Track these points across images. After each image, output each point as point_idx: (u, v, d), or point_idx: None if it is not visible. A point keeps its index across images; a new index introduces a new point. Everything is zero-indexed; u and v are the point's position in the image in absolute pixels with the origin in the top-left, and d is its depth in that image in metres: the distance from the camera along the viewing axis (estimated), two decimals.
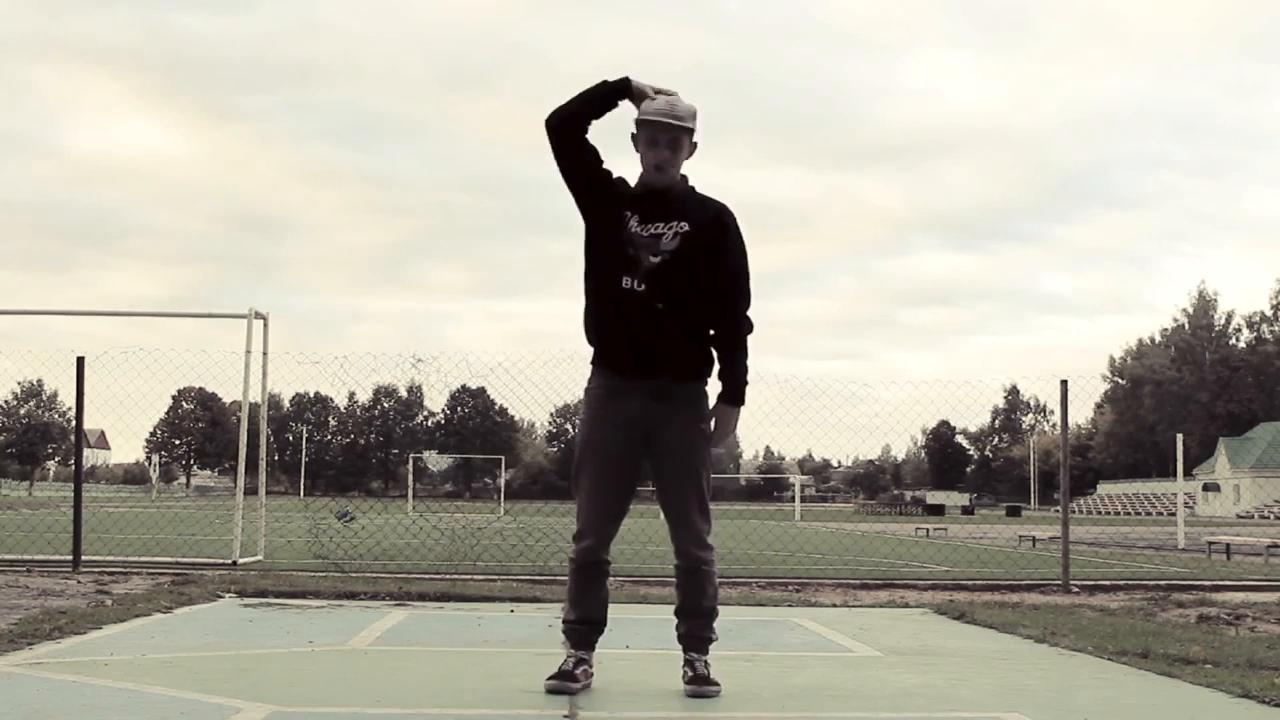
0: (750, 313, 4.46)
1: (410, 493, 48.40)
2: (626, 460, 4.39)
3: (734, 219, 4.47)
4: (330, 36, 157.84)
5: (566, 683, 4.29)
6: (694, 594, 4.49)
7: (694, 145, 4.44)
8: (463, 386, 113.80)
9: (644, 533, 20.87)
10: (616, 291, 4.30)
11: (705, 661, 4.43)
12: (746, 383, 4.45)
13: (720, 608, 4.74)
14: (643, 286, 4.27)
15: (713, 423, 4.43)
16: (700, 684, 4.34)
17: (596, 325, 4.41)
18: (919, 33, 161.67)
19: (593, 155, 4.44)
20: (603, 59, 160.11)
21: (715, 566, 4.52)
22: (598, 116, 4.43)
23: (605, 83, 4.41)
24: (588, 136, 4.44)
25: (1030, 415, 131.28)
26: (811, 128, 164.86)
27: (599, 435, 4.39)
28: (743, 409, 4.48)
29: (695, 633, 4.48)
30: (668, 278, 4.29)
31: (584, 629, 4.49)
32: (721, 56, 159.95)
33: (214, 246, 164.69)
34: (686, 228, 4.34)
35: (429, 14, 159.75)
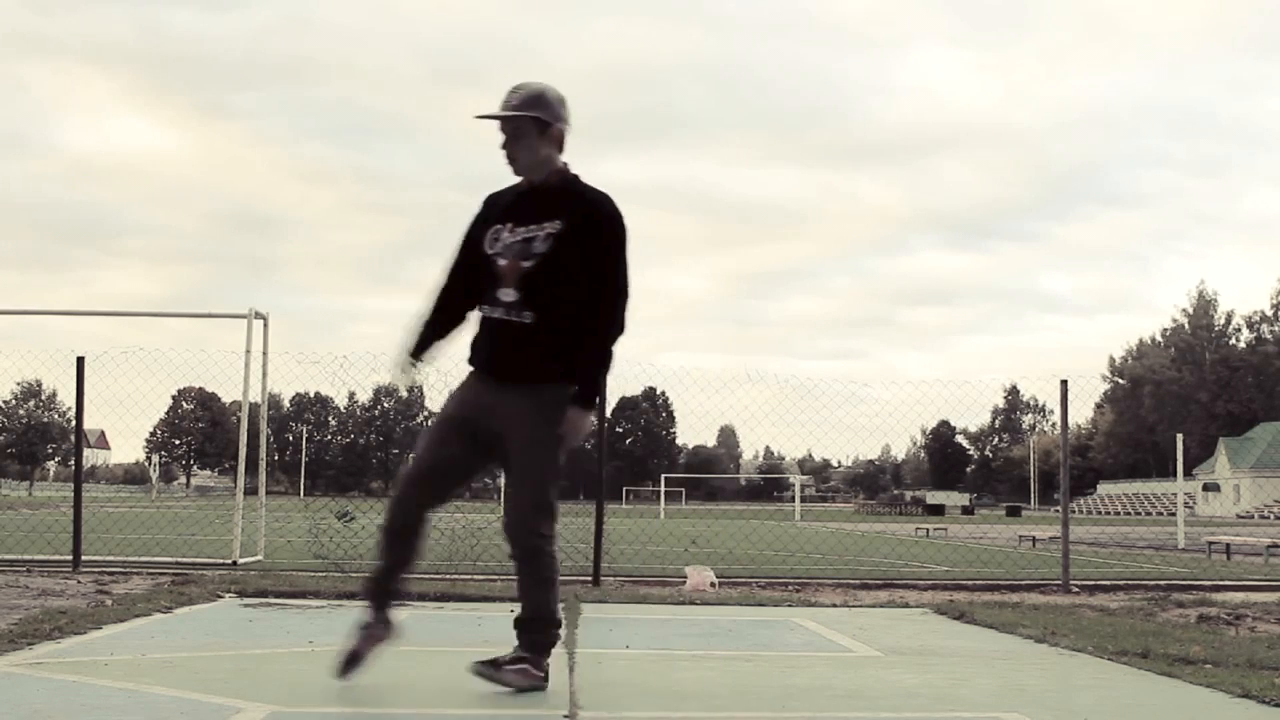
0: (626, 313, 4.27)
1: None
2: (453, 442, 4.31)
3: (614, 213, 4.27)
4: (323, 34, 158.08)
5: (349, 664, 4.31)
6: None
7: (556, 130, 4.26)
8: None
9: (644, 533, 20.91)
10: (483, 309, 4.27)
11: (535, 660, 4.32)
12: (599, 388, 4.31)
13: (720, 607, 4.74)
14: (516, 295, 4.18)
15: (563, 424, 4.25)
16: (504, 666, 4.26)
17: (471, 340, 4.37)
18: (916, 29, 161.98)
19: (468, 272, 4.38)
20: (597, 56, 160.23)
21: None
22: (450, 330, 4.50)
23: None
24: (452, 310, 4.46)
25: (1030, 415, 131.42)
26: (808, 125, 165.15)
27: (449, 418, 4.34)
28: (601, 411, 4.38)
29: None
30: (540, 283, 4.17)
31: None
32: (716, 53, 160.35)
33: (210, 246, 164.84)
34: (559, 227, 4.19)
35: (422, 11, 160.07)
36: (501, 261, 4.22)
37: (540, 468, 4.25)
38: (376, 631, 4.38)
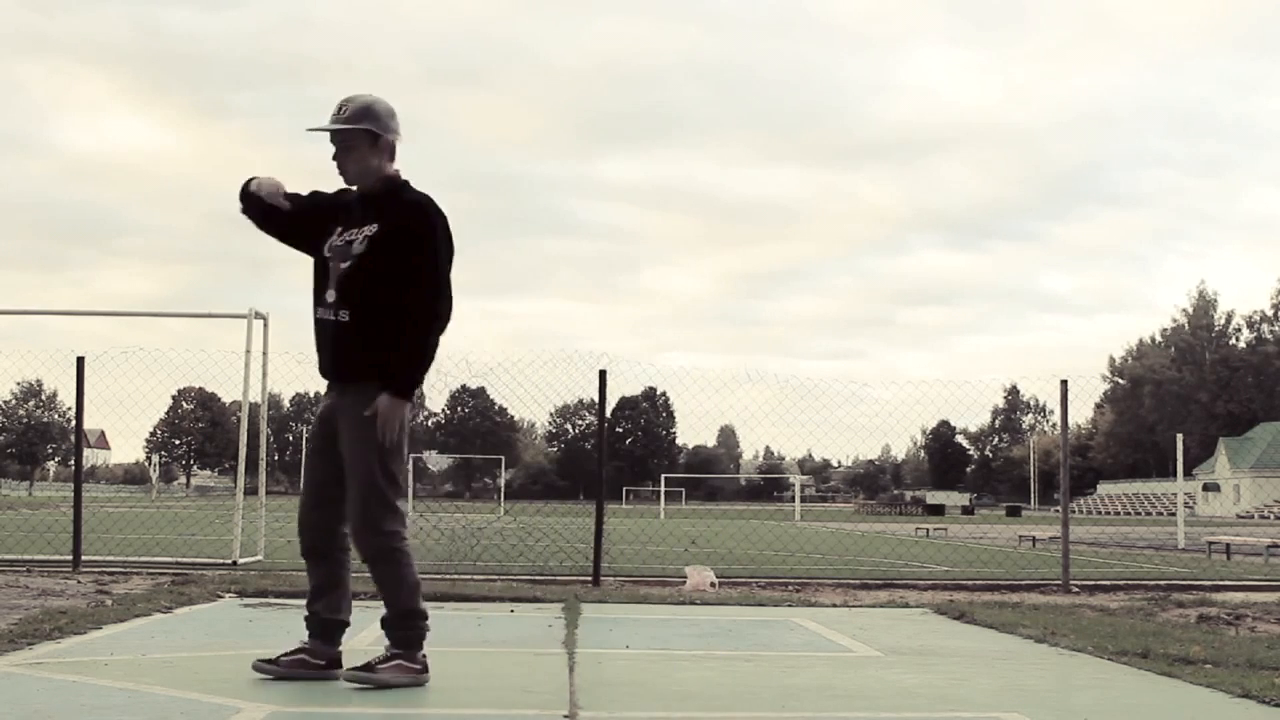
0: (444, 306, 4.36)
1: (410, 493, 48.21)
2: (321, 454, 4.48)
3: (428, 213, 4.36)
4: (321, 33, 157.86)
5: (268, 664, 4.40)
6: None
7: (385, 141, 4.38)
8: (462, 386, 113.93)
9: (644, 533, 20.91)
10: (316, 311, 4.43)
11: (391, 655, 4.37)
12: (413, 376, 4.32)
13: (720, 607, 4.74)
14: (335, 296, 4.34)
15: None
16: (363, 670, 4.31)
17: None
18: (915, 28, 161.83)
19: (295, 216, 4.48)
20: (596, 55, 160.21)
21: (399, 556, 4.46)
22: (266, 220, 4.51)
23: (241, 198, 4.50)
24: (281, 212, 4.49)
25: (1030, 415, 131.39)
26: (807, 125, 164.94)
27: (313, 432, 4.58)
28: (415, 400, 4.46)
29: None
30: (355, 283, 4.31)
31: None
32: (715, 52, 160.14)
33: (208, 245, 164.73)
34: (375, 229, 4.34)
35: (420, 10, 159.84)
36: (330, 264, 4.40)
37: (369, 467, 4.33)
38: (310, 658, 4.44)
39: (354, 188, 4.48)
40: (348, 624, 4.59)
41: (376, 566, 4.41)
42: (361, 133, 4.36)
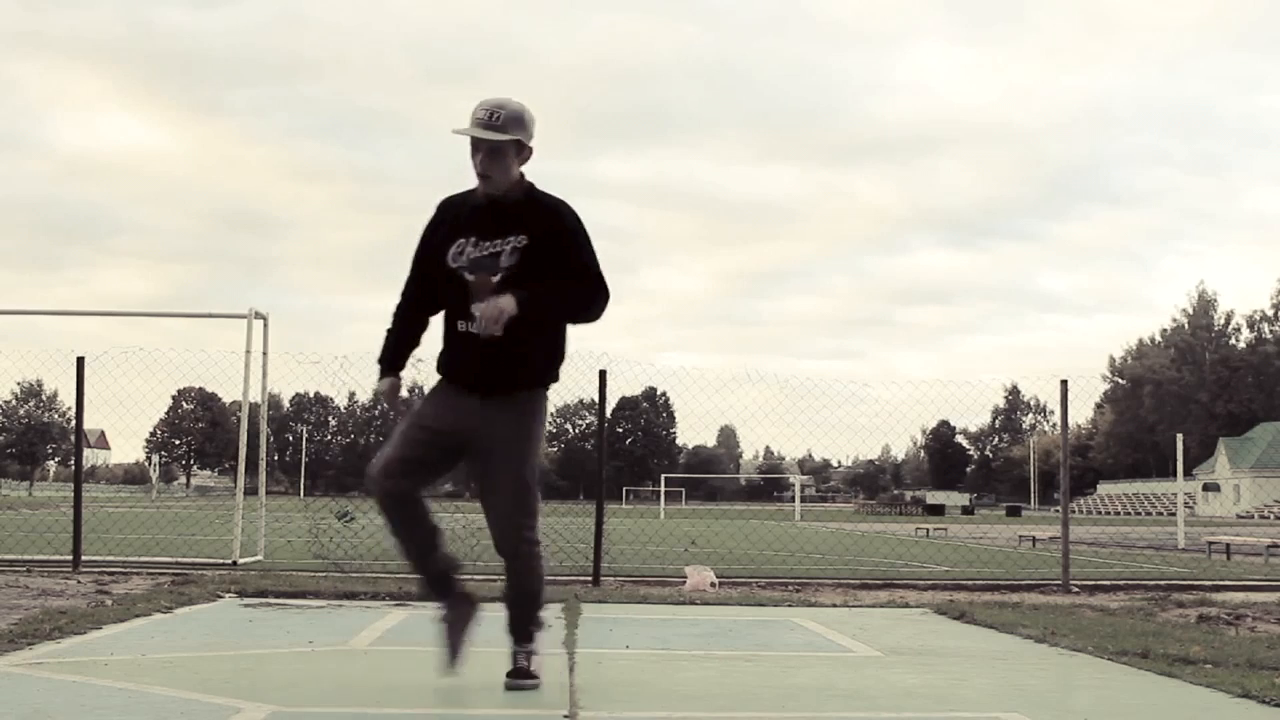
0: (603, 305, 4.34)
1: None
2: (435, 442, 4.31)
3: (574, 217, 4.32)
4: (317, 31, 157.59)
5: (453, 659, 4.37)
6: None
7: (529, 152, 4.27)
8: None
9: (644, 533, 20.90)
10: (455, 329, 4.28)
11: (528, 653, 4.42)
12: (540, 308, 4.19)
13: (720, 607, 4.74)
14: None
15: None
16: (519, 677, 4.33)
17: (442, 353, 4.38)
18: (913, 26, 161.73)
19: (430, 282, 4.37)
20: (592, 53, 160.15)
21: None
22: (417, 333, 4.53)
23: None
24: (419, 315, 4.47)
25: (1030, 415, 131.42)
26: (805, 124, 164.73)
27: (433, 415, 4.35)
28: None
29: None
30: None
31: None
32: (712, 50, 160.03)
33: (204, 244, 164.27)
34: (525, 241, 4.22)
35: (414, 7, 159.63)
36: (469, 276, 4.23)
37: (521, 474, 4.37)
38: (458, 615, 4.44)
39: (478, 194, 4.29)
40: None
41: (515, 566, 4.44)
42: (512, 142, 4.21)
